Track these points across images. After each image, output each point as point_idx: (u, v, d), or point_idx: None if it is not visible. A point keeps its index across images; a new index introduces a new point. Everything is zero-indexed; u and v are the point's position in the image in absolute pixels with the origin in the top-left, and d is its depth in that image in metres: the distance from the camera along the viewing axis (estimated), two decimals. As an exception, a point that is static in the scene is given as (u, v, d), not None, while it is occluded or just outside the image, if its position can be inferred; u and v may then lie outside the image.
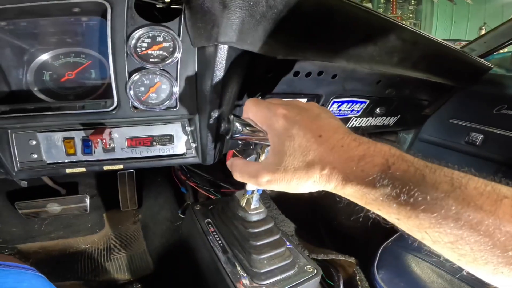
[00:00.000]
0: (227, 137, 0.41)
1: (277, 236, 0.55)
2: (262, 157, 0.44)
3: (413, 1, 3.24)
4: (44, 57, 0.48)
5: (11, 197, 0.95)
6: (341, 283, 0.75)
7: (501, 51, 1.23)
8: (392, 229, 0.27)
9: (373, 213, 0.27)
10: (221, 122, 0.45)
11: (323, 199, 1.36)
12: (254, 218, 0.55)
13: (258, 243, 0.53)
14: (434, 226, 0.23)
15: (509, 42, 1.06)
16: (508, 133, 1.01)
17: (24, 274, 0.39)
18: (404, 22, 3.20)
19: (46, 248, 0.95)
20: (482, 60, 0.99)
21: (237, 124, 0.37)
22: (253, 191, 0.52)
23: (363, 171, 0.26)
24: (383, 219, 0.27)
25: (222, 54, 0.42)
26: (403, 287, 0.72)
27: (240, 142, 0.61)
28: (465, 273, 0.25)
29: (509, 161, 1.04)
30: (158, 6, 0.43)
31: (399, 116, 1.01)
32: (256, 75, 0.51)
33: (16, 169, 0.49)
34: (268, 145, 0.40)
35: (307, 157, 0.28)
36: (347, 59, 0.57)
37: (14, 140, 0.47)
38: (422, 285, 0.71)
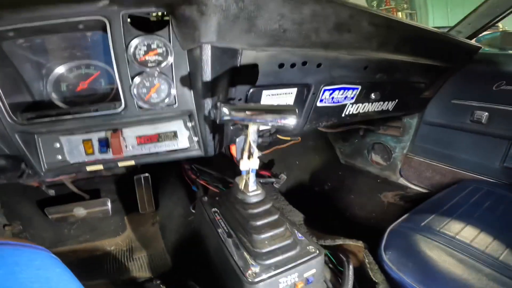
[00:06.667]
0: (217, 122, 0.47)
1: (275, 216, 0.59)
2: (249, 137, 0.49)
3: (406, -9, 3.21)
4: (60, 70, 0.57)
5: (40, 205, 1.05)
6: (350, 267, 0.74)
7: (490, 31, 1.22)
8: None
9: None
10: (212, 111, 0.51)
11: (333, 191, 1.38)
12: (253, 199, 0.59)
13: (258, 223, 0.57)
14: None
15: (493, 22, 1.05)
16: (512, 108, 1.00)
17: (37, 253, 0.41)
18: (399, 13, 3.16)
19: (75, 252, 1.04)
20: (470, 41, 0.99)
21: (224, 109, 0.43)
22: (247, 171, 0.57)
23: None
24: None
25: (207, 53, 0.48)
26: (412, 266, 0.72)
27: (232, 128, 0.66)
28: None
29: (519, 135, 1.02)
30: (150, 18, 0.50)
31: (396, 100, 1.03)
32: (243, 69, 0.57)
33: (44, 169, 0.57)
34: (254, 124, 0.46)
35: None
36: (325, 47, 0.62)
37: (40, 143, 0.56)
38: (431, 264, 0.70)
